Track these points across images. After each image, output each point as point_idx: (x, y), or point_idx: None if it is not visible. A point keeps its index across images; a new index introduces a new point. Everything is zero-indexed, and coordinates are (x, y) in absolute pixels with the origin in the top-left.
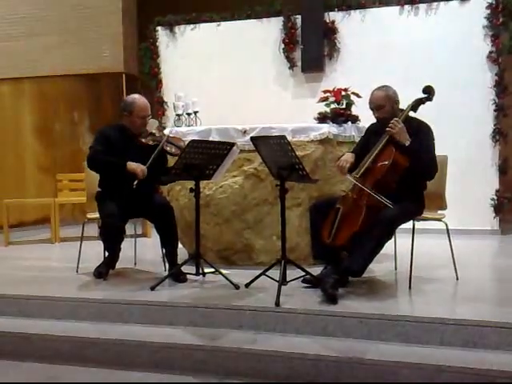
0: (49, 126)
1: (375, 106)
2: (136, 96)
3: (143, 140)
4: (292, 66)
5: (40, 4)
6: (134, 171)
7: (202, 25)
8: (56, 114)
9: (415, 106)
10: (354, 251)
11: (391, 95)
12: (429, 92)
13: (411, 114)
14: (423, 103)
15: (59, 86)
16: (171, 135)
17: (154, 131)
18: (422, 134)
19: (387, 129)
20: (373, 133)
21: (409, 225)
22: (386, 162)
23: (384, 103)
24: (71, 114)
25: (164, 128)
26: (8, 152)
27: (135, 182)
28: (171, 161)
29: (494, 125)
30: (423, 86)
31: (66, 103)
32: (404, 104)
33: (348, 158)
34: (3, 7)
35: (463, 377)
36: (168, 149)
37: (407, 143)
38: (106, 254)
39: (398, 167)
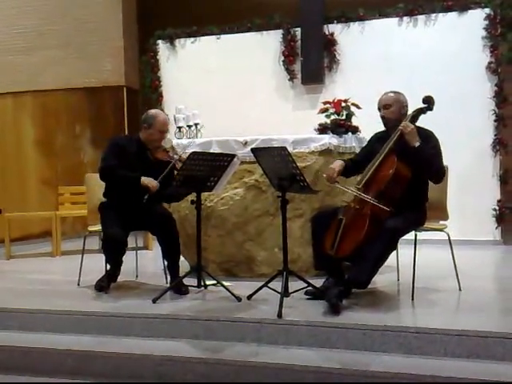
0: (50, 139)
1: (383, 105)
2: (158, 111)
3: (157, 155)
4: (292, 77)
5: (41, 18)
6: (147, 186)
7: (202, 38)
8: (57, 127)
9: (416, 115)
10: (358, 263)
11: (401, 99)
12: (429, 102)
13: None
14: (424, 113)
15: (60, 100)
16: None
17: (167, 149)
18: (429, 139)
19: (400, 127)
20: (376, 140)
21: (411, 235)
22: (389, 172)
23: (392, 103)
24: (73, 127)
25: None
26: (10, 165)
27: (145, 197)
28: None
29: (495, 135)
30: (423, 96)
31: (67, 116)
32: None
33: (336, 165)
34: (4, 21)
35: None
36: (179, 167)
37: (417, 144)
38: (108, 267)
39: (400, 178)
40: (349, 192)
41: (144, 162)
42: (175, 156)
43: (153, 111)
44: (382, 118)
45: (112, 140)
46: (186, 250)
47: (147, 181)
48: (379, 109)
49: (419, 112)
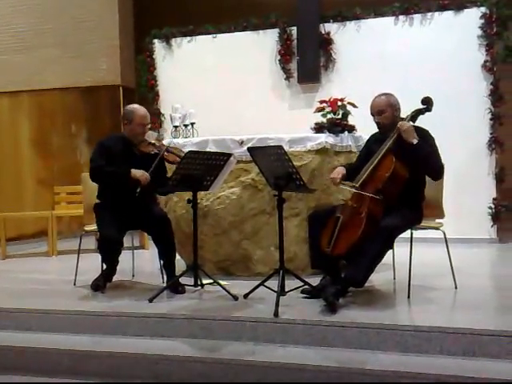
0: (46, 139)
1: (376, 111)
2: (136, 105)
3: (143, 149)
4: (288, 76)
5: (37, 18)
6: (138, 178)
7: (199, 37)
8: (54, 127)
9: (415, 116)
10: (355, 261)
11: (393, 102)
12: (427, 103)
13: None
14: (422, 114)
15: (57, 99)
16: (171, 145)
17: (153, 141)
18: (426, 138)
19: (398, 125)
20: (373, 142)
21: (407, 234)
22: (386, 172)
23: (385, 108)
24: (69, 126)
25: (162, 139)
26: (6, 165)
27: (138, 190)
28: (170, 170)
29: (491, 134)
30: (420, 96)
31: (63, 116)
32: (403, 114)
33: (339, 170)
34: (0, 20)
35: None
36: (168, 158)
37: (415, 141)
38: (104, 266)
39: (398, 177)
40: (350, 189)
41: (131, 158)
42: (162, 147)
43: (131, 106)
44: (378, 123)
45: (98, 142)
46: (183, 249)
47: (139, 173)
48: (373, 115)
49: (418, 113)
